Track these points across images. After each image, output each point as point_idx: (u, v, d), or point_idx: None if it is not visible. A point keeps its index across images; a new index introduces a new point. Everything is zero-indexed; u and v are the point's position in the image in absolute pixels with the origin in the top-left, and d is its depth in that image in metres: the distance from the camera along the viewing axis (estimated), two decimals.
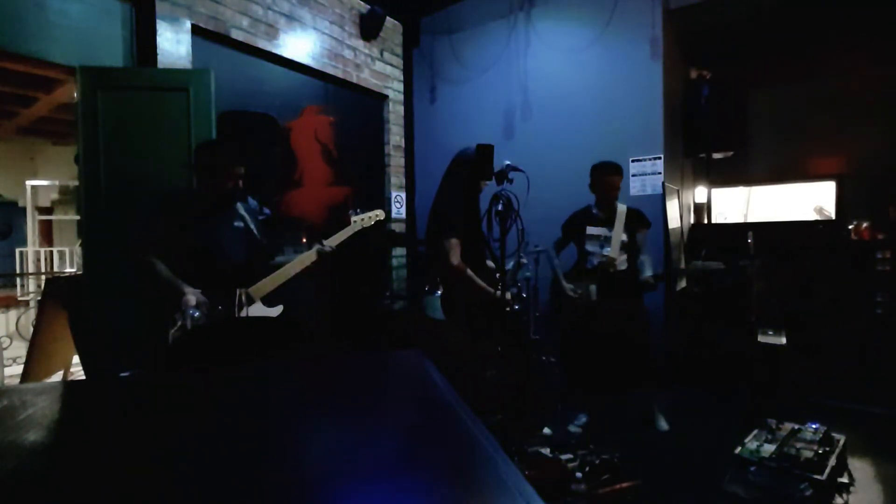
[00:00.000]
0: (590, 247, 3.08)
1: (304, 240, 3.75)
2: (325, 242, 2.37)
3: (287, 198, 3.84)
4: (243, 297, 2.12)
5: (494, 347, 2.50)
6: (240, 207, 2.32)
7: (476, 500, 0.54)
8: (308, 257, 2.32)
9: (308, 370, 1.17)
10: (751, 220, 4.45)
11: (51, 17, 2.67)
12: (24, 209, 8.56)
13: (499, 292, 2.47)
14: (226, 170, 2.19)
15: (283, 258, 2.38)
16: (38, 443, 0.70)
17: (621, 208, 3.09)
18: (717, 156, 4.38)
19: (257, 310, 2.19)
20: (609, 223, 3.07)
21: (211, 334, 2.01)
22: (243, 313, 2.14)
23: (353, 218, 2.49)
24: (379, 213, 2.56)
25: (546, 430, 2.84)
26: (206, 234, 2.16)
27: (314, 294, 3.77)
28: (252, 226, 2.30)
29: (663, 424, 2.96)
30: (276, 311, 2.25)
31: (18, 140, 8.39)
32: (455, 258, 2.51)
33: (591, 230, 3.09)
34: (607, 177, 3.05)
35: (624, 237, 3.04)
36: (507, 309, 2.58)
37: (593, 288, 2.99)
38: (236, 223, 2.27)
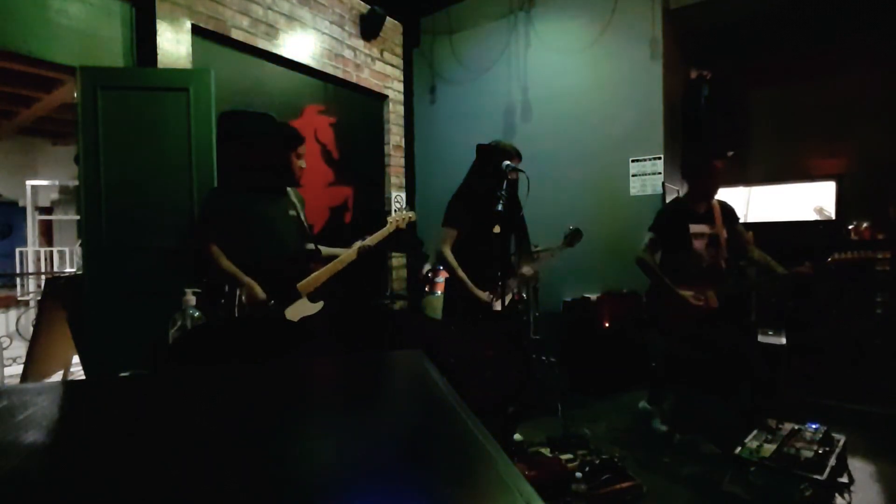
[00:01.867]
0: (698, 247, 2.68)
1: None
2: (366, 240, 2.40)
3: None
4: (269, 300, 2.13)
5: (494, 347, 2.50)
6: (291, 194, 2.34)
7: (476, 500, 0.54)
8: (349, 256, 2.35)
9: (308, 370, 1.17)
10: (751, 220, 4.44)
11: (51, 17, 2.67)
12: (24, 209, 8.57)
13: (489, 295, 2.50)
14: (297, 151, 2.23)
15: (327, 250, 2.42)
16: (38, 443, 0.70)
17: (713, 201, 2.77)
18: None
19: (301, 306, 2.22)
20: (709, 219, 2.72)
21: (211, 335, 2.01)
22: (290, 311, 2.18)
23: (389, 218, 2.54)
24: (412, 215, 2.62)
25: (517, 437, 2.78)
26: (263, 223, 2.19)
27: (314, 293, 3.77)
28: (302, 216, 2.34)
29: (660, 425, 2.94)
30: (317, 307, 2.29)
31: (18, 140, 8.40)
32: (444, 246, 2.54)
33: (694, 228, 2.70)
34: (714, 162, 2.68)
35: (725, 234, 2.72)
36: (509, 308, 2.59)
37: (711, 294, 2.64)
38: (290, 212, 2.31)
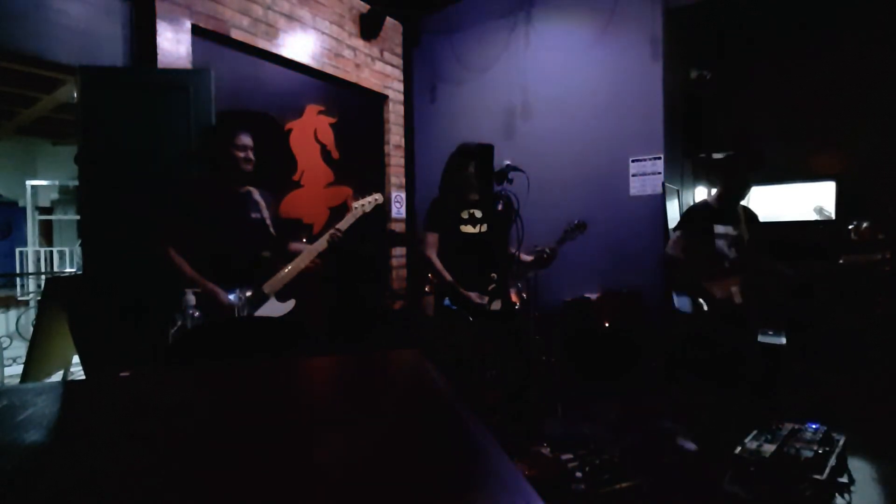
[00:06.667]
0: (721, 247, 2.81)
1: (304, 240, 3.76)
2: (336, 227, 2.37)
3: (287, 199, 3.84)
4: (244, 297, 2.12)
5: (494, 348, 2.50)
6: (254, 193, 2.29)
7: (476, 499, 0.54)
8: (319, 245, 2.31)
9: (307, 369, 1.17)
10: None
11: (51, 16, 2.67)
12: (24, 209, 8.56)
13: (483, 296, 2.51)
14: (232, 141, 2.16)
15: (296, 246, 2.37)
16: (38, 443, 0.70)
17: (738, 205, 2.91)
18: (717, 156, 4.37)
19: (271, 307, 2.18)
20: (733, 221, 2.85)
21: (211, 334, 2.01)
22: (259, 311, 2.13)
23: (354, 204, 2.52)
24: (378, 197, 2.60)
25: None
26: (224, 226, 2.14)
27: (314, 293, 3.77)
28: (268, 219, 2.29)
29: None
30: (288, 305, 2.24)
31: (18, 140, 8.39)
32: (428, 250, 2.59)
33: (719, 229, 2.82)
34: (747, 168, 2.83)
35: (747, 236, 2.85)
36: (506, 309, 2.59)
37: (735, 290, 2.75)
38: (253, 214, 2.25)
